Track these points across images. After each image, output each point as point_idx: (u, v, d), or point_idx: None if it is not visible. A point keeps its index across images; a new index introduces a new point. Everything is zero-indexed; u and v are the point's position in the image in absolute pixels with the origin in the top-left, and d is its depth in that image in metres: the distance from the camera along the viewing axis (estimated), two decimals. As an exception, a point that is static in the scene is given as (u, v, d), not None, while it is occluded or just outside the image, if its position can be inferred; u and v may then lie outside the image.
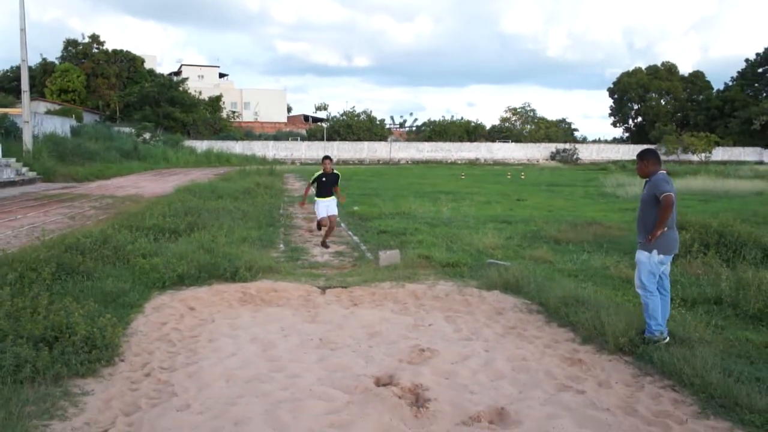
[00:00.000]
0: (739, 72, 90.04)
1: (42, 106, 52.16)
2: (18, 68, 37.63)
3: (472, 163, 69.12)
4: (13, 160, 30.54)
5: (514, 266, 9.95)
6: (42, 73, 66.26)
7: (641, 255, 6.84)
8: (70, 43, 71.83)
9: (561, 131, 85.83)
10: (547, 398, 5.44)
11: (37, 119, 38.69)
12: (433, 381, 5.67)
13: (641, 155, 7.09)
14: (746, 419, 4.90)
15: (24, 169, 30.76)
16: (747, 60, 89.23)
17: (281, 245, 13.04)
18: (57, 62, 69.76)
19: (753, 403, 5.02)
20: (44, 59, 70.01)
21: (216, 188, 22.59)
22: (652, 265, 6.70)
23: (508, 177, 41.53)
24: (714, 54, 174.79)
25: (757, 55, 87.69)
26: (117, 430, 4.74)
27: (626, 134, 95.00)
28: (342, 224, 16.36)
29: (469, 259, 11.17)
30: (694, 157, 72.86)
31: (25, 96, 34.78)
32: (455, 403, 5.22)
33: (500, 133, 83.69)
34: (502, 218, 17.39)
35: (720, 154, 75.92)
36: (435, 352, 6.49)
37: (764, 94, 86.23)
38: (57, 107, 56.11)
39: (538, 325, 7.55)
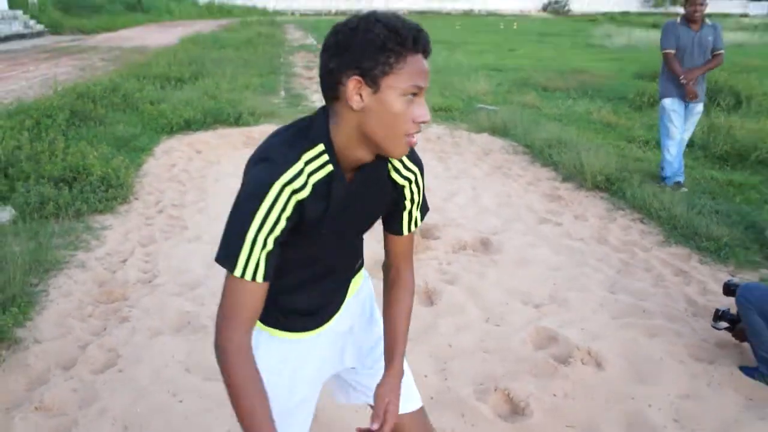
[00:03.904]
0: None
1: (45, -43, 49.91)
2: None
3: (467, 14, 67.11)
4: (20, 12, 29.44)
5: (502, 111, 9.93)
6: None
7: None
8: None
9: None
10: (527, 230, 5.59)
11: (40, -31, 37.13)
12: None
13: None
14: (702, 246, 5.12)
15: (32, 22, 29.76)
16: None
17: (282, 92, 12.87)
18: None
19: (710, 232, 5.22)
20: None
21: (219, 39, 22.12)
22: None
23: (501, 27, 40.47)
24: None
25: None
26: (136, 259, 4.89)
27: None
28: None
29: (461, 104, 11.10)
30: (681, 9, 70.47)
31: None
32: (444, 233, 5.37)
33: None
34: (493, 66, 17.09)
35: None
36: (427, 188, 6.57)
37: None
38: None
39: (523, 165, 7.62)
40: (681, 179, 6.63)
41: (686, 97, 6.32)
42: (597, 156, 7.06)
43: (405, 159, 1.64)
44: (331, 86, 1.40)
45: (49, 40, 27.36)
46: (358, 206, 1.59)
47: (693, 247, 5.15)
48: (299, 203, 1.42)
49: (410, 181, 1.70)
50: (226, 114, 9.48)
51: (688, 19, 6.36)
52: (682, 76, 6.25)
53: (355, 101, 1.37)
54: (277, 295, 1.60)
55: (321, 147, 1.44)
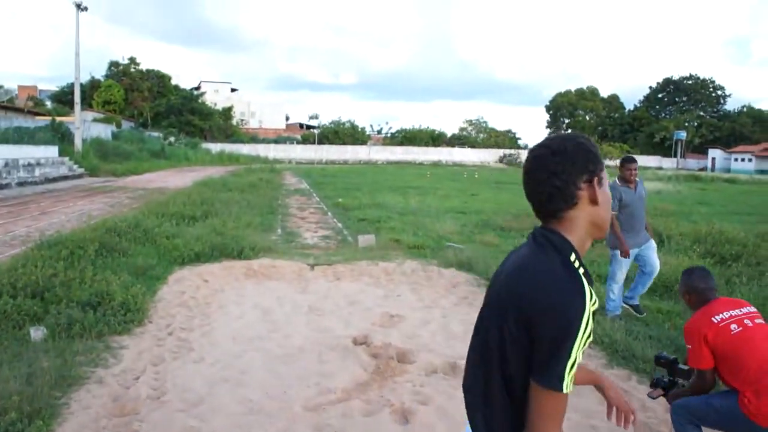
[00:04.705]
0: (644, 96, 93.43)
1: (90, 115, 51.42)
2: (72, 85, 37.48)
3: (436, 164, 69.08)
4: (66, 159, 30.49)
5: (467, 249, 10.05)
6: (90, 88, 65.41)
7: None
8: (113, 64, 71.11)
9: (508, 139, 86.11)
10: (489, 354, 5.53)
11: (85, 126, 38.30)
12: (400, 341, 5.73)
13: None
14: (640, 367, 5.12)
15: (75, 166, 30.61)
16: (650, 87, 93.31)
17: (278, 230, 13.00)
18: (102, 79, 69.01)
19: (645, 355, 5.23)
20: (92, 77, 69.21)
21: (227, 182, 22.52)
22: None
23: (465, 176, 41.63)
24: (626, 81, 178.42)
25: (657, 83, 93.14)
26: (147, 377, 4.77)
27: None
28: (328, 213, 16.36)
29: (431, 242, 11.21)
30: (611, 162, 73.73)
31: (77, 107, 34.86)
32: (418, 358, 5.29)
33: (459, 140, 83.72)
34: (458, 209, 17.46)
35: (630, 160, 76.97)
36: (402, 317, 6.56)
37: (663, 115, 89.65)
38: (101, 116, 55.43)
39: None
40: (618, 312, 6.67)
41: (622, 255, 6.47)
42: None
43: None
44: (567, 198, 1.51)
45: (87, 181, 27.85)
46: None
47: (632, 369, 5.12)
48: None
49: None
50: (231, 248, 9.49)
51: (626, 180, 6.53)
52: (624, 251, 6.41)
53: (598, 196, 1.51)
54: None
55: (573, 256, 1.50)
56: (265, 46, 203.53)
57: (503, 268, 1.66)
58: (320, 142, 71.47)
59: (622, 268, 6.62)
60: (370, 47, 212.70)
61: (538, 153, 1.55)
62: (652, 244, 6.73)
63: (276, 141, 74.49)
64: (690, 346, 3.27)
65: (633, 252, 6.56)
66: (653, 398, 3.58)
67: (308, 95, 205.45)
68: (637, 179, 6.56)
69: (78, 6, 34.12)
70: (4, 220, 13.87)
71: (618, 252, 6.52)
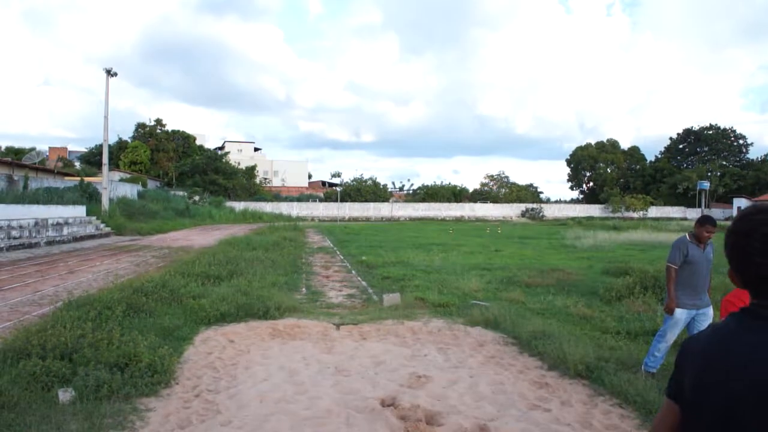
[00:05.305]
0: (665, 147, 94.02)
1: (117, 175, 52.73)
2: (100, 146, 38.83)
3: (458, 220, 69.17)
4: (94, 218, 31.21)
5: (493, 306, 9.94)
6: (118, 149, 67.38)
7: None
8: (140, 126, 73.51)
9: (529, 193, 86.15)
10: (520, 415, 5.42)
11: (112, 186, 39.26)
12: (428, 402, 5.64)
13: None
14: (677, 430, 4.91)
15: (102, 225, 31.28)
16: (671, 138, 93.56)
17: (303, 289, 13.01)
18: (129, 140, 71.09)
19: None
20: (120, 138, 71.55)
21: (251, 241, 22.65)
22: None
23: (488, 231, 41.51)
24: (646, 133, 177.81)
25: (678, 134, 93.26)
26: (173, 442, 4.74)
27: (581, 196, 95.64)
28: (352, 271, 16.36)
29: (457, 300, 11.11)
30: (635, 215, 73.76)
31: (105, 168, 35.82)
32: (447, 420, 5.20)
33: (480, 195, 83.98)
34: (482, 266, 17.35)
35: (654, 211, 76.89)
36: (429, 378, 6.47)
37: (685, 165, 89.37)
38: (128, 176, 56.81)
39: (513, 354, 7.53)
40: (654, 371, 6.46)
41: (665, 310, 6.34)
42: (577, 346, 7.02)
43: None
44: None
45: (113, 240, 28.31)
46: None
47: None
48: None
49: None
50: (256, 308, 9.51)
51: (699, 239, 6.32)
52: (671, 308, 6.27)
53: None
54: None
55: None
56: (286, 107, 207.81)
57: (733, 358, 1.50)
58: (342, 200, 72.03)
59: (674, 328, 6.35)
60: (388, 106, 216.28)
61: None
62: (710, 313, 6.42)
63: (299, 199, 75.31)
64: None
65: (690, 313, 6.35)
66: None
67: (330, 153, 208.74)
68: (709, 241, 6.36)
69: (108, 72, 35.56)
70: (33, 279, 14.08)
71: (677, 312, 6.30)
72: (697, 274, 6.29)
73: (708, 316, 6.41)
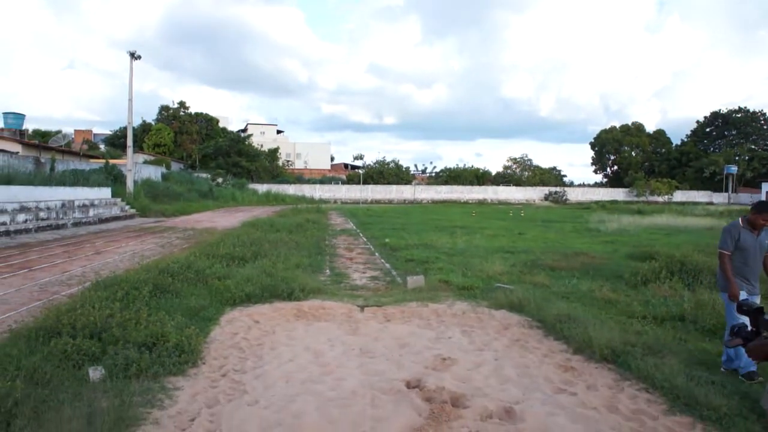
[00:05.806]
0: (692, 131, 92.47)
1: (141, 158, 53.21)
2: (125, 129, 39.28)
3: (481, 203, 68.87)
4: (119, 199, 31.62)
5: (517, 289, 9.91)
6: (142, 132, 67.88)
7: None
8: (163, 108, 73.83)
9: (552, 177, 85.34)
10: (545, 399, 5.41)
11: (137, 168, 39.65)
12: (453, 384, 5.65)
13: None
14: (704, 415, 4.93)
15: (126, 207, 31.69)
16: (698, 121, 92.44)
17: (327, 270, 13.07)
18: (153, 123, 71.63)
19: (710, 402, 5.05)
20: (144, 121, 72.00)
21: (274, 223, 22.75)
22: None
23: (510, 214, 41.30)
24: (672, 116, 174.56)
25: (705, 117, 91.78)
26: (202, 419, 4.80)
27: (605, 179, 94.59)
28: (376, 253, 16.38)
29: (481, 283, 11.10)
30: (660, 199, 72.82)
31: (129, 150, 36.19)
32: (473, 402, 5.21)
33: (503, 178, 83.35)
34: (506, 249, 17.28)
35: (679, 196, 75.81)
36: (454, 360, 6.47)
37: (711, 149, 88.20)
38: (152, 158, 57.35)
39: (538, 338, 7.50)
40: (754, 368, 5.87)
41: (730, 298, 6.03)
42: (602, 330, 6.97)
43: None
44: None
45: (138, 221, 28.65)
46: None
47: (696, 416, 4.93)
48: None
49: None
50: (281, 290, 9.59)
51: (753, 226, 6.14)
52: (735, 294, 5.96)
53: None
54: None
55: None
56: (309, 89, 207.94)
57: None
58: (365, 182, 71.98)
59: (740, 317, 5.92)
60: (411, 88, 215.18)
61: None
62: (758, 303, 6.05)
63: (321, 181, 75.40)
64: None
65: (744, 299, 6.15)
66: (729, 348, 3.42)
67: (352, 135, 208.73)
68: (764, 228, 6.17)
69: (132, 55, 35.86)
70: (62, 259, 14.33)
71: (727, 296, 6.12)
72: (748, 261, 6.16)
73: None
